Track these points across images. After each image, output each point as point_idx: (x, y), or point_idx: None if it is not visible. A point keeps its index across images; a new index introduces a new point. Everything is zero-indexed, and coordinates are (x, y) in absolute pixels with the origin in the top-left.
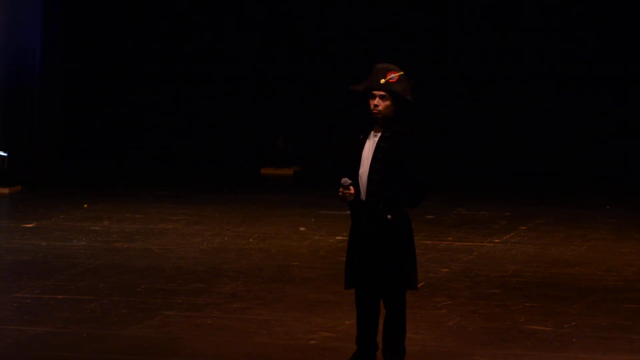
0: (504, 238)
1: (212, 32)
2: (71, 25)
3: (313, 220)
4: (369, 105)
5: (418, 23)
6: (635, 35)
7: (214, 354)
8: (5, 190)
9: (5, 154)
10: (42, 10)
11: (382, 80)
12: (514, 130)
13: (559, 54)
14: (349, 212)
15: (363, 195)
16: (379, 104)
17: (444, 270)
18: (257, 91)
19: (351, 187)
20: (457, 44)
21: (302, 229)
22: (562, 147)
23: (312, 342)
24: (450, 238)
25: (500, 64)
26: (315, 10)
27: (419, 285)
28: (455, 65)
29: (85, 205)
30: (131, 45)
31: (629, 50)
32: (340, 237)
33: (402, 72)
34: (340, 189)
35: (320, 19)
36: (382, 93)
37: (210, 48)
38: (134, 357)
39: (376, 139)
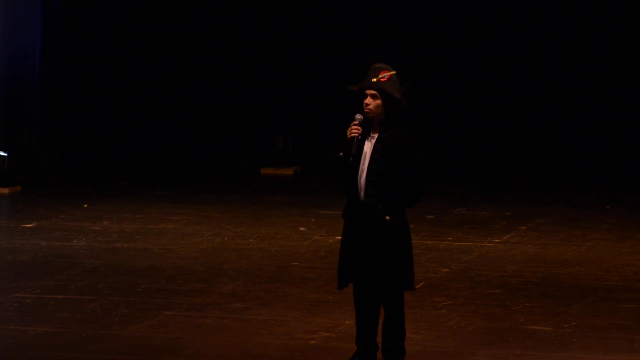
0: (504, 238)
1: (212, 31)
2: (72, 24)
3: (313, 220)
4: (363, 104)
5: (418, 22)
6: (635, 35)
7: (214, 354)
8: (5, 190)
9: (5, 154)
10: (42, 8)
11: (374, 79)
12: (514, 130)
13: (559, 54)
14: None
15: (361, 196)
16: (370, 102)
17: (444, 270)
18: (257, 91)
19: (359, 128)
20: (457, 44)
21: (302, 229)
22: (562, 147)
23: (312, 342)
24: (450, 238)
25: (500, 64)
26: (316, 10)
27: (418, 286)
28: (455, 65)
29: (85, 205)
30: (131, 44)
31: (629, 50)
32: (340, 237)
33: (394, 72)
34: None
35: (320, 18)
36: (372, 92)
37: (210, 47)
38: (134, 357)
39: (373, 140)
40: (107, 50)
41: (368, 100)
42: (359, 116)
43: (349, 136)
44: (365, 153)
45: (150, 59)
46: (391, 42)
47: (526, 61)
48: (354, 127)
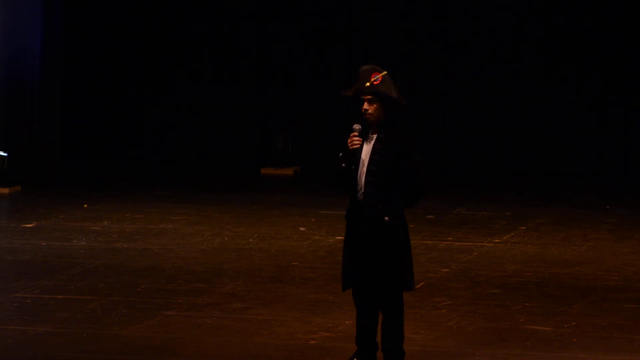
0: (504, 238)
1: (212, 31)
2: (72, 24)
3: (313, 220)
4: (361, 109)
5: (418, 22)
6: (635, 35)
7: (214, 354)
8: (5, 190)
9: (5, 154)
10: (42, 8)
11: (367, 84)
12: (514, 130)
13: (558, 54)
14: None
15: (360, 197)
16: (368, 107)
17: (444, 270)
18: (257, 91)
19: (360, 139)
20: (457, 44)
21: (302, 229)
22: (562, 147)
23: (312, 342)
24: (450, 238)
25: (501, 64)
26: (316, 10)
27: (417, 286)
28: (455, 65)
29: (85, 205)
30: (131, 45)
31: (629, 50)
32: (340, 237)
33: (385, 72)
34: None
35: (320, 18)
36: (368, 97)
37: (210, 47)
38: (134, 357)
39: (372, 141)
40: (107, 50)
41: (366, 105)
42: (357, 126)
43: (350, 147)
44: (365, 154)
45: (150, 58)
46: (391, 42)
47: (526, 61)
48: (355, 138)
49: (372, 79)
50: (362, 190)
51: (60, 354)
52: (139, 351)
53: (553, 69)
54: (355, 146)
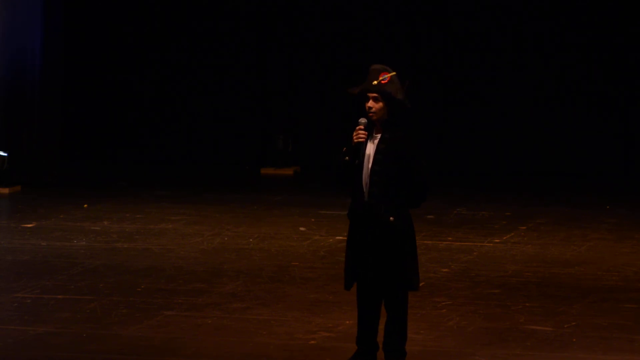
0: (504, 238)
1: (212, 31)
2: (72, 24)
3: (313, 220)
4: (365, 107)
5: (418, 21)
6: (636, 34)
7: (214, 354)
8: (5, 190)
9: (5, 154)
10: (42, 8)
11: (375, 82)
12: (514, 130)
13: (559, 53)
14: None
15: (365, 197)
16: (373, 105)
17: (444, 270)
18: (257, 91)
19: (365, 132)
20: (457, 44)
21: (302, 229)
22: (562, 147)
23: (312, 342)
24: (450, 238)
25: (501, 64)
26: (316, 10)
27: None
28: (455, 64)
29: (85, 205)
30: (131, 44)
31: (629, 50)
32: (340, 237)
33: (394, 73)
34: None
35: (320, 18)
36: (374, 95)
37: (210, 47)
38: (134, 357)
39: (376, 141)
40: (107, 50)
41: (370, 103)
42: (363, 120)
43: (355, 140)
44: (369, 154)
45: (150, 58)
46: (391, 41)
47: (526, 61)
48: (360, 131)
49: (380, 78)
50: (366, 190)
51: (60, 354)
52: (139, 351)
53: (553, 68)
54: (360, 139)
